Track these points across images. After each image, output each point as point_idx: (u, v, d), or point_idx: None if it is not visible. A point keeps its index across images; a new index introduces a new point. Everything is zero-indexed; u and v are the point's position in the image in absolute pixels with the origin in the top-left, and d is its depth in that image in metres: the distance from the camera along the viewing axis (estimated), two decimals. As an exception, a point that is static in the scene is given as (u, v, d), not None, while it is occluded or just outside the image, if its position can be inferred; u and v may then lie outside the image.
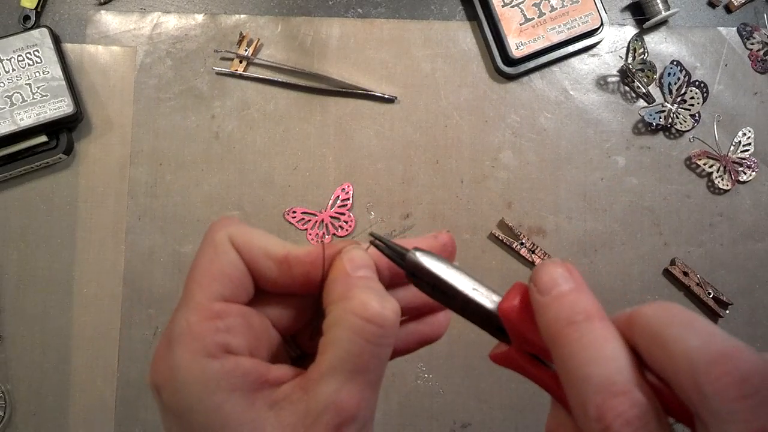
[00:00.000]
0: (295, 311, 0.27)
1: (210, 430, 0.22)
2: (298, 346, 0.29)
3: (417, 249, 0.26)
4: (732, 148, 0.68)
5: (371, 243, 0.27)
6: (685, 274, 0.67)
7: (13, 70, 0.63)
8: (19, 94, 0.63)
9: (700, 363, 0.18)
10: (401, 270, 0.26)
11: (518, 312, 0.23)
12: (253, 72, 0.68)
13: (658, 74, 0.69)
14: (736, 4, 0.69)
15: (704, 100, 0.68)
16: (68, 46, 0.67)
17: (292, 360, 0.28)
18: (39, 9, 0.67)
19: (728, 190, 0.68)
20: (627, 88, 0.69)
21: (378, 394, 0.24)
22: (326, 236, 0.67)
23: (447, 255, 0.28)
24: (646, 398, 0.19)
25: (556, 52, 0.67)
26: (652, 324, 0.21)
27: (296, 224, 0.67)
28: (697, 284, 0.67)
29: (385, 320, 0.23)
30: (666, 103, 0.68)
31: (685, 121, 0.67)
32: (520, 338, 0.24)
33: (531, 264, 0.67)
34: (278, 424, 0.22)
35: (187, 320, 0.23)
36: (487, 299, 0.25)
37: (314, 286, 0.26)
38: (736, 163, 0.68)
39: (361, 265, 0.25)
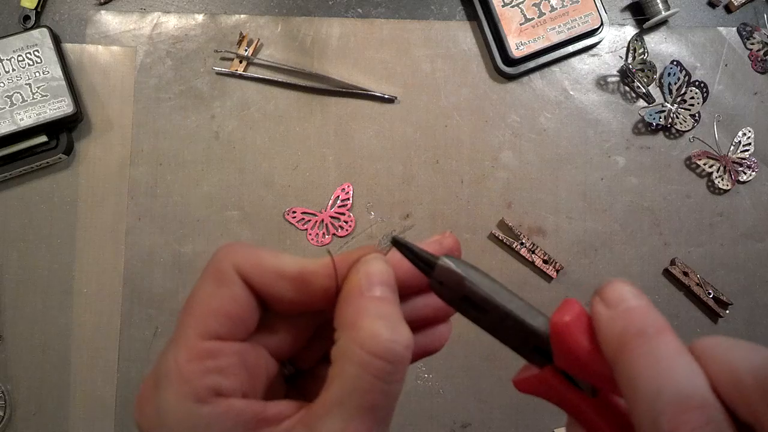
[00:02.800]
0: (294, 334, 0.26)
1: None
2: (292, 363, 0.27)
3: (448, 256, 0.24)
4: (732, 148, 0.68)
5: (392, 244, 0.25)
6: (685, 274, 0.67)
7: (13, 70, 0.63)
8: (19, 94, 0.63)
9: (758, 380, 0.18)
10: (418, 279, 0.24)
11: (573, 328, 0.22)
12: (253, 72, 0.68)
13: (658, 74, 0.69)
14: (736, 4, 0.69)
15: (704, 100, 0.68)
16: (68, 46, 0.67)
17: (286, 378, 0.27)
18: (39, 9, 0.67)
19: (728, 190, 0.68)
20: (627, 88, 0.69)
21: (388, 429, 0.22)
22: (326, 236, 0.67)
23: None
24: (721, 415, 0.19)
25: (556, 52, 0.67)
26: (717, 348, 0.20)
27: (296, 224, 0.67)
28: (697, 284, 0.67)
29: (396, 356, 0.21)
30: (666, 103, 0.68)
31: (685, 121, 0.67)
32: (571, 358, 0.22)
33: (531, 264, 0.67)
34: None
35: (176, 360, 0.21)
36: (527, 314, 0.23)
37: (334, 299, 0.24)
38: (736, 163, 0.68)
39: (378, 281, 0.23)
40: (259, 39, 0.67)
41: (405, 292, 0.26)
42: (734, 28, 0.69)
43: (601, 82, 0.69)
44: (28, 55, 0.63)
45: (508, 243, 0.66)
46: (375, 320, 0.22)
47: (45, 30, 0.63)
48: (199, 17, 0.68)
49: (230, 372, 0.22)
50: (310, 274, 0.24)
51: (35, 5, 0.66)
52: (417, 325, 0.27)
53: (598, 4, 0.66)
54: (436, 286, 0.24)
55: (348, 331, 0.22)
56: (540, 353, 0.23)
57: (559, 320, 0.22)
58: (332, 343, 0.24)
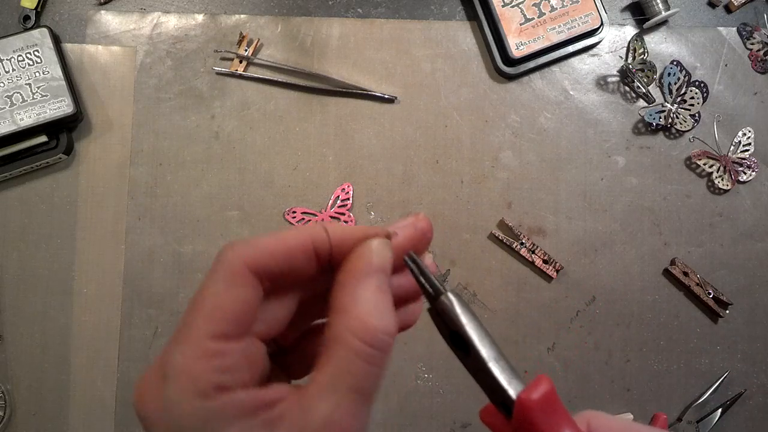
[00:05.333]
0: (280, 316, 0.27)
1: None
2: (275, 341, 0.28)
3: (453, 292, 0.25)
4: (732, 148, 0.68)
5: (405, 262, 0.26)
6: (685, 274, 0.67)
7: (13, 70, 0.63)
8: (19, 94, 0.63)
9: None
10: (400, 261, 0.26)
11: (533, 410, 0.24)
12: (253, 72, 0.68)
13: (658, 74, 0.69)
14: (736, 4, 0.69)
15: (704, 100, 0.68)
16: (68, 46, 0.67)
17: (270, 356, 0.28)
18: (39, 9, 0.67)
19: (728, 190, 0.68)
20: (627, 88, 0.69)
21: (372, 408, 0.24)
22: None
23: (426, 242, 0.28)
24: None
25: (556, 52, 0.67)
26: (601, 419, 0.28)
27: (296, 224, 0.67)
28: (697, 284, 0.67)
29: (383, 344, 0.23)
30: (666, 103, 0.68)
31: (685, 121, 0.67)
32: (526, 429, 0.24)
33: (531, 264, 0.67)
34: None
35: (184, 357, 0.22)
36: (504, 374, 0.24)
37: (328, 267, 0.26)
38: (736, 163, 0.68)
39: (377, 269, 0.25)
40: (259, 39, 0.67)
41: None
42: (734, 28, 0.69)
43: (601, 82, 0.69)
44: (28, 55, 0.63)
45: (508, 243, 0.66)
46: (369, 310, 0.24)
47: (45, 30, 0.63)
48: (199, 17, 0.68)
49: (235, 369, 0.23)
50: (318, 241, 0.25)
51: (35, 5, 0.66)
52: (395, 303, 0.28)
53: (598, 4, 0.66)
54: (434, 313, 0.26)
55: (342, 317, 0.24)
56: (505, 409, 0.25)
57: (526, 398, 0.24)
58: (311, 320, 0.29)
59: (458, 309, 0.25)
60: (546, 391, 0.24)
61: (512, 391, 0.24)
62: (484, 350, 0.25)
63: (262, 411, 0.23)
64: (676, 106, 0.68)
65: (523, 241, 0.67)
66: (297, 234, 0.25)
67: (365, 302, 0.24)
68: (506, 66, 0.67)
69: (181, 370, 0.22)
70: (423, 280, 0.26)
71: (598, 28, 0.67)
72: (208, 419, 0.22)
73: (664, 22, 0.69)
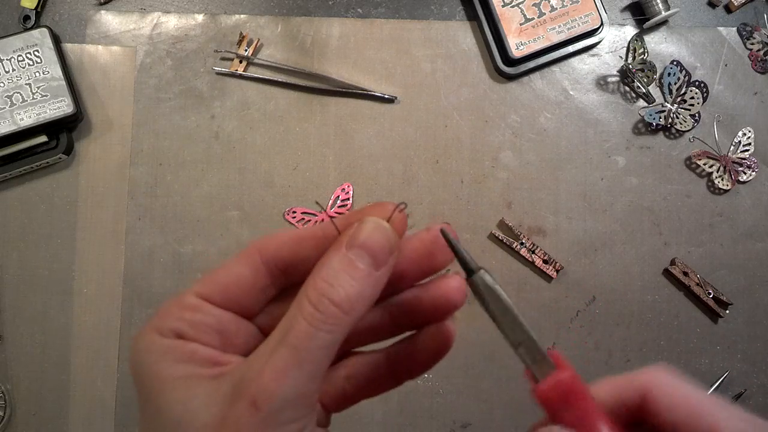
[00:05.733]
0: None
1: (151, 393, 0.23)
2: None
3: (485, 270, 0.25)
4: (732, 148, 0.68)
5: (442, 235, 0.26)
6: (685, 274, 0.67)
7: (13, 70, 0.63)
8: (19, 94, 0.63)
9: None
10: (419, 271, 0.26)
11: (555, 395, 0.23)
12: (253, 72, 0.68)
13: (658, 74, 0.69)
14: (736, 4, 0.69)
15: (704, 100, 0.68)
16: (68, 46, 0.67)
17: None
18: (39, 9, 0.67)
19: (728, 190, 0.68)
20: (627, 88, 0.69)
21: (315, 382, 0.23)
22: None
23: (440, 250, 0.27)
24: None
25: (556, 52, 0.67)
26: (661, 379, 0.24)
27: (296, 224, 0.67)
28: (697, 284, 0.67)
29: (325, 308, 0.22)
30: (666, 103, 0.68)
31: (685, 121, 0.67)
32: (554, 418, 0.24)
33: (531, 264, 0.67)
34: (213, 393, 0.23)
35: (165, 304, 0.25)
36: (533, 358, 0.24)
37: None
38: (736, 163, 0.68)
39: (359, 244, 0.24)
40: (259, 39, 0.67)
41: (406, 282, 0.27)
42: (734, 28, 0.69)
43: (601, 82, 0.69)
44: (28, 55, 0.63)
45: (508, 243, 0.66)
46: (327, 275, 0.23)
47: (45, 30, 0.63)
48: (199, 17, 0.68)
49: (200, 328, 0.24)
50: (329, 232, 0.25)
51: (35, 5, 0.66)
52: (415, 321, 0.28)
53: (598, 4, 0.66)
54: (473, 285, 0.25)
55: (306, 280, 0.24)
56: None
57: (540, 390, 0.24)
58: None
59: (495, 284, 0.25)
60: (559, 381, 0.23)
61: (540, 377, 0.24)
62: (510, 333, 0.24)
63: (211, 365, 0.24)
64: (676, 106, 0.68)
65: (523, 241, 0.67)
66: (309, 227, 0.27)
67: (327, 268, 0.23)
68: (506, 66, 0.67)
69: (157, 311, 0.25)
70: (462, 254, 0.25)
71: (598, 28, 0.67)
72: (158, 353, 0.23)
73: (664, 22, 0.69)
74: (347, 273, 0.23)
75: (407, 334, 0.28)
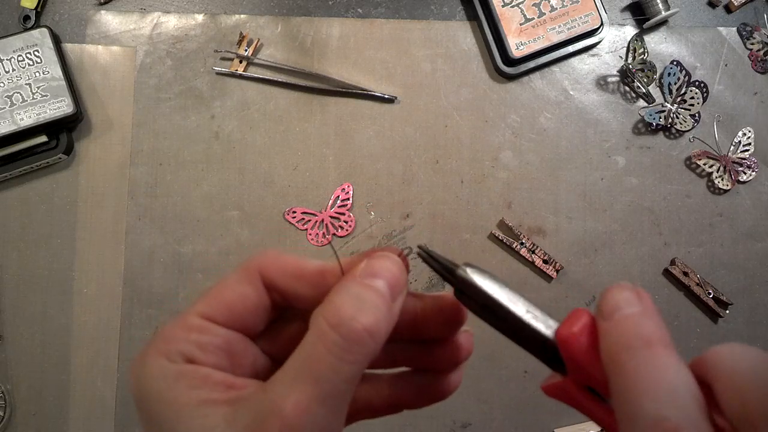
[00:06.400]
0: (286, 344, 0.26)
1: (166, 422, 0.22)
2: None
3: (468, 265, 0.24)
4: (732, 148, 0.68)
5: (418, 254, 0.25)
6: (685, 274, 0.67)
7: (13, 70, 0.63)
8: (19, 94, 0.63)
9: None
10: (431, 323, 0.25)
11: (578, 340, 0.22)
12: (253, 72, 0.68)
13: (658, 74, 0.69)
14: (736, 4, 0.69)
15: (704, 100, 0.68)
16: (68, 46, 0.67)
17: None
18: (39, 9, 0.67)
19: (728, 190, 0.68)
20: (627, 88, 0.69)
21: (340, 417, 0.22)
22: (326, 236, 0.67)
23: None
24: None
25: (556, 52, 0.67)
26: (728, 365, 0.19)
27: (296, 224, 0.67)
28: (697, 284, 0.67)
29: (351, 333, 0.21)
30: (666, 103, 0.68)
31: (685, 121, 0.67)
32: (578, 369, 0.22)
33: (531, 264, 0.67)
34: (233, 422, 0.21)
35: (169, 325, 0.24)
36: (543, 324, 0.23)
37: None
38: (736, 163, 0.68)
39: (374, 273, 0.23)
40: (259, 39, 0.67)
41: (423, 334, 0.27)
42: (734, 28, 0.69)
43: (601, 82, 0.69)
44: (28, 55, 0.63)
45: (508, 243, 0.66)
46: (346, 297, 0.22)
47: (45, 30, 0.63)
48: (199, 17, 0.68)
49: (208, 349, 0.23)
50: (328, 272, 0.25)
51: (35, 5, 0.66)
52: (422, 364, 0.28)
53: (598, 4, 0.66)
54: (459, 294, 0.25)
55: (322, 305, 0.23)
56: (558, 362, 0.23)
57: (564, 332, 0.22)
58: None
59: (474, 277, 0.24)
60: (585, 323, 0.22)
61: (551, 333, 0.23)
62: (513, 306, 0.23)
63: (226, 389, 0.22)
64: (676, 106, 0.68)
65: (523, 241, 0.67)
66: (314, 261, 0.25)
67: (348, 293, 0.22)
68: (506, 66, 0.67)
69: (159, 334, 0.23)
70: (437, 266, 0.25)
71: (598, 28, 0.67)
72: (171, 379, 0.22)
73: (664, 22, 0.69)
74: (370, 299, 0.22)
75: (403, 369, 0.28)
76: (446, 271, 0.25)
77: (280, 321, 0.27)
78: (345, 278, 0.24)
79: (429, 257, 0.25)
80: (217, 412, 0.21)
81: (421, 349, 0.28)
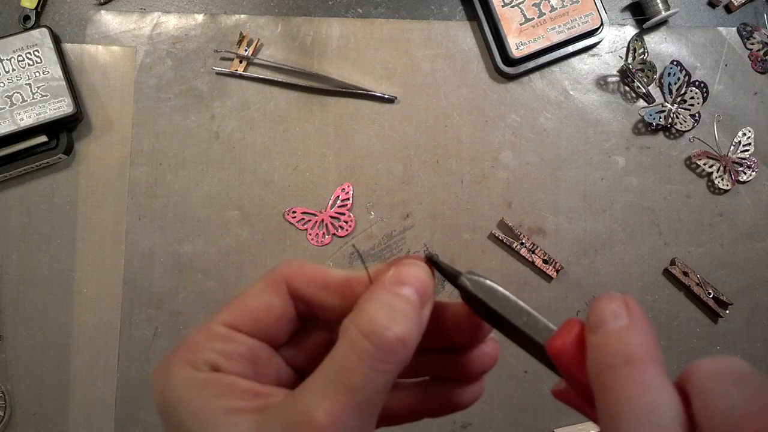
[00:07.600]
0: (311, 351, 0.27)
1: (191, 429, 0.22)
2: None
3: (470, 272, 0.24)
4: (732, 148, 0.68)
5: (425, 261, 0.25)
6: (685, 274, 0.67)
7: (13, 70, 0.63)
8: (19, 94, 0.63)
9: (737, 418, 0.16)
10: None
11: (568, 352, 0.22)
12: (253, 72, 0.68)
13: (658, 74, 0.69)
14: (736, 4, 0.69)
15: (704, 100, 0.68)
16: (68, 46, 0.67)
17: None
18: (39, 9, 0.67)
19: (728, 190, 0.68)
20: (627, 88, 0.69)
21: (370, 427, 0.22)
22: (326, 236, 0.67)
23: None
24: None
25: (556, 52, 0.67)
26: (702, 378, 0.19)
27: (296, 224, 0.67)
28: (697, 284, 0.67)
29: (384, 342, 0.21)
30: (666, 103, 0.68)
31: (685, 121, 0.67)
32: (570, 380, 0.22)
33: (531, 264, 0.67)
34: (261, 429, 0.21)
35: (193, 333, 0.24)
36: (542, 332, 0.23)
37: None
38: (736, 163, 0.68)
39: (407, 282, 0.23)
40: (259, 39, 0.67)
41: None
42: (734, 28, 0.69)
43: (601, 82, 0.69)
44: (28, 55, 0.63)
45: (508, 243, 0.66)
46: (378, 306, 0.22)
47: (45, 30, 0.63)
48: (199, 17, 0.68)
49: (233, 358, 0.23)
50: (356, 280, 0.25)
51: (35, 5, 0.66)
52: (445, 374, 0.28)
53: (598, 4, 0.66)
54: (465, 300, 0.25)
55: (352, 313, 0.22)
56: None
57: (554, 345, 0.22)
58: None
59: (473, 287, 0.24)
60: (575, 334, 0.22)
61: (543, 341, 0.23)
62: (511, 314, 0.24)
63: (253, 398, 0.22)
64: (676, 106, 0.68)
65: (523, 241, 0.67)
66: (339, 271, 0.25)
67: (379, 302, 0.22)
68: (506, 66, 0.67)
69: (183, 343, 0.23)
70: (445, 274, 0.25)
71: (598, 28, 0.67)
72: (197, 387, 0.22)
73: (664, 22, 0.69)
74: (401, 308, 0.22)
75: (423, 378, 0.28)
76: (450, 279, 0.25)
77: (303, 331, 0.27)
78: (374, 286, 0.23)
79: (436, 265, 0.25)
80: (246, 421, 0.21)
81: (445, 358, 0.28)
